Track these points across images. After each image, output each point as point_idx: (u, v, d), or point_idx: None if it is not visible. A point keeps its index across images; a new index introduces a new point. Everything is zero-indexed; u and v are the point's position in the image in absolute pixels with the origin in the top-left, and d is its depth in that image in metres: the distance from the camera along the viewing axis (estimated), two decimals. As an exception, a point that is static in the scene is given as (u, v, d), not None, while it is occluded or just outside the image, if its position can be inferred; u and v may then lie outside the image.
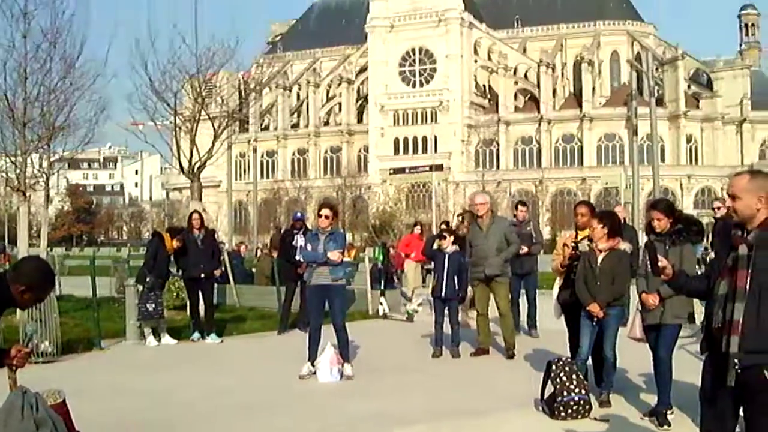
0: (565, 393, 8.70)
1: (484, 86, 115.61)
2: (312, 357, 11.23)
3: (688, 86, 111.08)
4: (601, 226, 9.22)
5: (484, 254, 12.60)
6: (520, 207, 15.84)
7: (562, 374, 8.82)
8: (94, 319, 14.93)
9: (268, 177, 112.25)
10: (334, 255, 11.04)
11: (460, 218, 16.80)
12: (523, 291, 15.25)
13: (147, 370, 12.48)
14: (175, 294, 18.41)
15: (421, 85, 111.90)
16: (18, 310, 11.65)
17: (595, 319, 9.17)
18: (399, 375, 11.71)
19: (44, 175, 20.39)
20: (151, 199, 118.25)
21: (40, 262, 5.60)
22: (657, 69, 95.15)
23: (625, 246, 9.46)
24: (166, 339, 14.87)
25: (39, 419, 5.14)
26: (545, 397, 8.94)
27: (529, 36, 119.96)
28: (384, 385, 10.96)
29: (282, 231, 21.64)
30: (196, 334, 15.21)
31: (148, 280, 14.78)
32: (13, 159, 19.26)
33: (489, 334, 13.15)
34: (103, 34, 22.22)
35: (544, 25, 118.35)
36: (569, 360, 9.15)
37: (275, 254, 19.82)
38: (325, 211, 11.46)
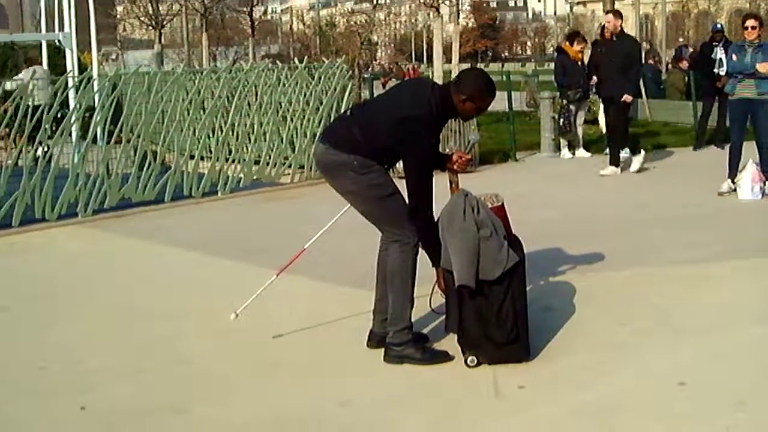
0: None
1: None
2: (732, 174, 10.95)
3: None
4: None
5: None
6: None
7: None
8: (509, 131, 15.37)
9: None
10: (763, 67, 10.49)
11: None
12: None
13: (565, 182, 12.77)
14: (588, 108, 18.37)
15: None
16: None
17: None
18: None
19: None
20: (555, 13, 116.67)
21: (480, 72, 5.77)
22: None
23: None
24: (581, 152, 15.00)
25: (479, 220, 5.36)
26: None
27: None
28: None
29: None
30: (610, 148, 15.22)
31: (568, 93, 14.76)
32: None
33: None
34: None
35: None
36: None
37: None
38: (751, 22, 10.96)
